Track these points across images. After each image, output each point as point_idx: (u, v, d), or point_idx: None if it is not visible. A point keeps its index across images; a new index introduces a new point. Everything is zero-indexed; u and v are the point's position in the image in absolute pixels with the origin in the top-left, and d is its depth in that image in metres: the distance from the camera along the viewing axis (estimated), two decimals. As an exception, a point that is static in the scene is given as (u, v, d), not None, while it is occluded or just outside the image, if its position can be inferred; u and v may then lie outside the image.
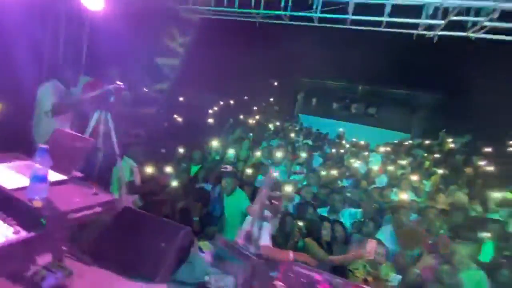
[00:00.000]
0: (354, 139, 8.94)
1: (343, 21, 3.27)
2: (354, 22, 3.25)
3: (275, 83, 11.43)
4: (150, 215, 1.39)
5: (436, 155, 7.84)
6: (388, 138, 9.49)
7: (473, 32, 2.90)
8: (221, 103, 8.83)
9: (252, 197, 3.55)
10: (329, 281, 1.30)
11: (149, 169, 3.65)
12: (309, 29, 3.62)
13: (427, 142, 9.05)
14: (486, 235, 3.06)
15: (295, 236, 3.50)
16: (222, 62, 7.39)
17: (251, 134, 6.88)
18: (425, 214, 3.76)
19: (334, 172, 5.30)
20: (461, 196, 4.82)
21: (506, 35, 2.94)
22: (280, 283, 1.18)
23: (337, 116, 10.41)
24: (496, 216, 3.85)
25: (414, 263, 2.89)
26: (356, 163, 6.13)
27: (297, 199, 4.30)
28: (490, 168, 6.66)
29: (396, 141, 9.03)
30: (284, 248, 2.94)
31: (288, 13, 3.39)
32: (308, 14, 3.33)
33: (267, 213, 2.78)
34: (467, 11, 2.86)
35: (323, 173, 5.10)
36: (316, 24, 3.43)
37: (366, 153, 7.26)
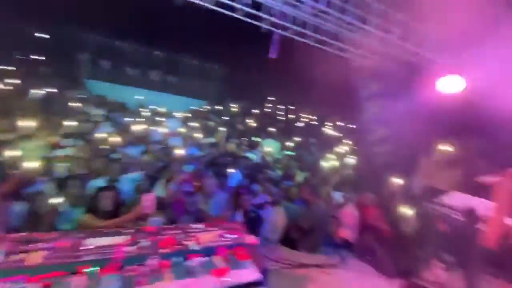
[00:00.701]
0: (154, 107, 8.83)
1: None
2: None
3: (46, 36, 8.55)
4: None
5: (224, 118, 9.59)
6: (189, 105, 10.19)
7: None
8: None
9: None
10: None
11: None
12: None
13: (217, 107, 10.73)
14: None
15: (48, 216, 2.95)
16: None
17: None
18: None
19: (115, 139, 4.95)
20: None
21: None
22: None
23: (133, 82, 9.68)
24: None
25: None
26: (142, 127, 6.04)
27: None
28: (254, 124, 9.06)
29: (195, 108, 9.98)
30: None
31: None
32: None
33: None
34: None
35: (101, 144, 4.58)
36: None
37: (163, 119, 7.43)
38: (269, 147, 6.33)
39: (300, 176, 5.50)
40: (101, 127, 5.88)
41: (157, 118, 7.43)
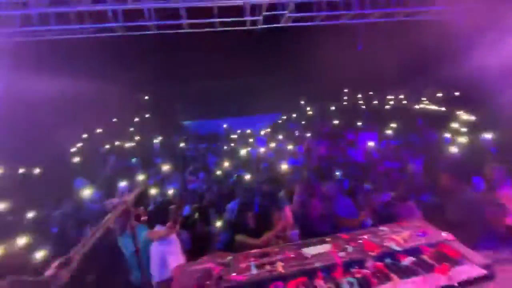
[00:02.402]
0: (239, 130, 9.72)
1: (179, 26, 3.45)
2: (191, 26, 3.48)
3: (145, 97, 10.76)
4: None
5: (303, 122, 9.70)
6: (267, 121, 10.80)
7: (283, 22, 3.74)
8: (85, 135, 7.50)
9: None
10: (220, 263, 1.39)
11: None
12: (149, 37, 3.60)
13: (294, 115, 10.94)
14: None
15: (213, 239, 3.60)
16: (74, 88, 6.21)
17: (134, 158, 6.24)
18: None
19: (227, 164, 5.66)
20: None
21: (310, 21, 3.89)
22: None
23: (217, 115, 10.96)
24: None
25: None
26: (244, 151, 6.70)
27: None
28: (337, 122, 8.78)
29: (272, 122, 10.49)
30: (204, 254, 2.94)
31: (120, 24, 3.22)
32: (143, 23, 3.28)
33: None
34: (275, 6, 3.63)
35: (217, 173, 5.33)
36: (153, 31, 3.44)
37: (251, 140, 8.07)
38: (368, 141, 5.99)
39: (415, 165, 4.96)
40: (210, 158, 6.86)
41: (249, 140, 8.13)
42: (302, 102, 11.67)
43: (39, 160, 5.53)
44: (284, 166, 5.12)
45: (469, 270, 1.19)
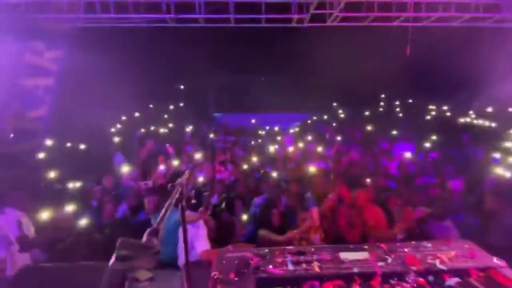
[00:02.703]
0: (267, 127, 9.75)
1: (226, 20, 3.54)
2: (237, 20, 3.56)
3: (181, 87, 11.18)
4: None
5: (334, 124, 9.47)
6: (296, 119, 10.70)
7: (330, 22, 3.67)
8: (124, 118, 8.02)
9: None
10: (257, 254, 1.45)
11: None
12: (194, 30, 3.73)
13: (325, 116, 10.70)
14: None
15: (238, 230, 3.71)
16: (115, 72, 6.69)
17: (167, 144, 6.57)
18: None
19: (254, 160, 5.73)
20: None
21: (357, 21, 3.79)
22: (215, 272, 1.26)
23: (247, 109, 11.05)
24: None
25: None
26: (272, 148, 6.72)
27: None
28: (370, 128, 8.47)
29: (302, 122, 10.36)
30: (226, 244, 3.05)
31: (172, 15, 3.38)
32: (193, 16, 3.42)
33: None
34: (323, 5, 3.58)
35: (244, 166, 5.42)
36: (201, 25, 3.57)
37: (279, 138, 8.06)
38: (405, 152, 5.70)
39: (456, 182, 4.63)
40: (237, 151, 6.98)
41: (277, 137, 8.13)
42: (335, 104, 11.37)
43: (84, 137, 6.05)
44: (312, 168, 5.07)
45: (524, 301, 1.11)
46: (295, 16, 3.54)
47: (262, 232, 3.43)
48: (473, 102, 8.27)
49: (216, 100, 11.14)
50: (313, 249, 1.48)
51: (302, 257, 1.42)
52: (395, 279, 1.25)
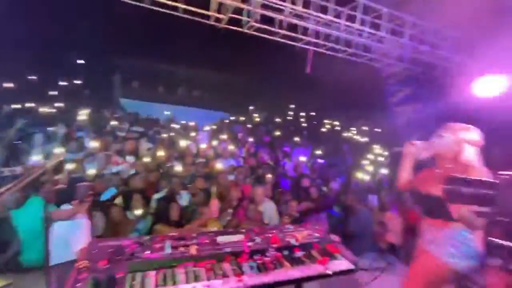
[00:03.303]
0: (183, 122, 9.46)
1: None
2: (154, 3, 3.39)
3: (82, 62, 9.50)
4: None
5: (249, 126, 10.05)
6: (213, 117, 10.78)
7: (246, 29, 3.96)
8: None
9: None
10: (136, 241, 1.45)
11: None
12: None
13: (241, 118, 11.22)
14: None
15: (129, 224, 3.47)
16: None
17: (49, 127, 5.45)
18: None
19: (162, 154, 5.49)
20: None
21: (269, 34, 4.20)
22: (82, 261, 1.21)
23: (162, 99, 10.43)
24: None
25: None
26: (185, 143, 6.60)
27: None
28: (279, 133, 9.43)
29: (219, 120, 10.54)
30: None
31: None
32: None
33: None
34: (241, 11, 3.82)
35: (147, 159, 5.13)
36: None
37: (194, 134, 7.98)
38: (300, 156, 6.68)
39: (335, 183, 5.80)
40: (142, 144, 6.48)
41: (191, 133, 7.99)
42: (251, 108, 12.09)
43: None
44: (219, 164, 5.29)
45: (341, 264, 1.56)
46: (215, 14, 3.66)
47: (158, 227, 3.35)
48: (356, 121, 10.41)
49: (124, 84, 9.95)
50: (195, 235, 1.61)
51: (182, 241, 1.52)
52: (259, 255, 1.51)
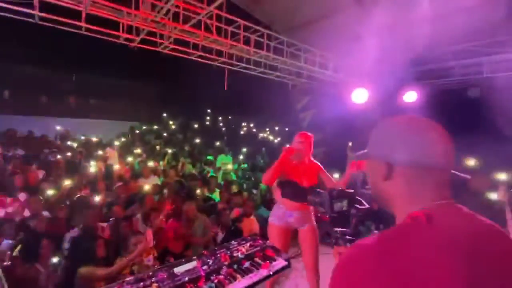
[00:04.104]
0: (82, 137, 8.29)
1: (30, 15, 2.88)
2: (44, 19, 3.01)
3: None
4: None
5: (165, 135, 9.69)
6: (118, 128, 9.77)
7: (162, 48, 4.00)
8: None
9: None
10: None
11: None
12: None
13: (155, 127, 10.66)
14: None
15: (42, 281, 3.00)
16: None
17: None
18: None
19: (67, 183, 4.82)
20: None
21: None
22: None
23: (48, 111, 8.80)
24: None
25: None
26: (92, 167, 5.92)
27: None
28: (198, 140, 9.53)
29: (129, 133, 9.68)
30: None
31: None
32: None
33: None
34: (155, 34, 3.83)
35: (50, 192, 4.45)
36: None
37: (101, 152, 7.16)
38: (225, 163, 7.08)
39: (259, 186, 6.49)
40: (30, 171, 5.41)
41: (97, 151, 7.15)
42: (165, 115, 11.65)
43: None
44: (147, 186, 5.08)
45: (279, 264, 2.04)
46: (124, 35, 3.52)
47: (84, 271, 3.06)
48: (268, 123, 11.62)
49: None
50: (150, 273, 1.75)
51: (141, 283, 1.65)
52: (214, 275, 1.81)
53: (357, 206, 1.41)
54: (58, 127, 8.50)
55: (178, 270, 1.83)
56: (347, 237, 1.36)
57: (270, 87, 6.54)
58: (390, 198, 0.75)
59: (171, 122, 11.42)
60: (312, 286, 3.04)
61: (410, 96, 5.85)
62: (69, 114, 9.58)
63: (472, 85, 5.65)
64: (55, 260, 3.20)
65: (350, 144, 5.78)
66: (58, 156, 6.64)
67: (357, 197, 1.48)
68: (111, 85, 10.84)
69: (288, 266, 2.12)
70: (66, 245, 3.68)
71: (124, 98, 11.21)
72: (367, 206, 1.48)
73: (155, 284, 1.67)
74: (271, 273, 1.97)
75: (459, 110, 5.43)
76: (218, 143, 9.28)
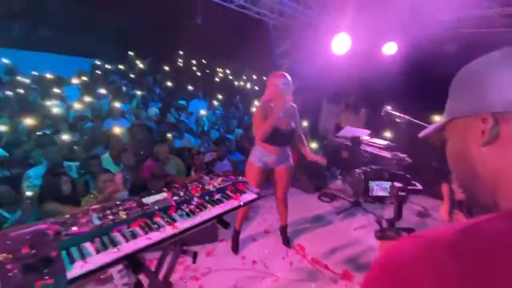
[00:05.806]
0: (34, 72, 7.37)
1: None
2: None
3: None
4: None
5: (132, 76, 8.94)
6: (76, 65, 8.80)
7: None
8: None
9: None
10: (54, 222, 1.46)
11: None
12: None
13: (120, 66, 9.72)
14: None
15: None
16: None
17: None
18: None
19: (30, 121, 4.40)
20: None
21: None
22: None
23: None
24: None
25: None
26: (52, 104, 5.40)
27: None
28: (170, 83, 8.95)
29: (90, 71, 8.78)
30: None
31: None
32: None
33: None
34: None
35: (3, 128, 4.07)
36: None
37: (58, 90, 6.49)
38: (199, 109, 6.82)
39: (234, 132, 6.48)
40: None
41: (54, 89, 6.47)
42: (132, 54, 10.57)
43: None
44: (117, 128, 4.80)
45: (249, 196, 2.11)
46: None
47: (50, 206, 2.99)
48: (245, 71, 11.09)
49: None
50: (118, 202, 1.72)
51: (108, 211, 1.62)
52: (185, 205, 1.83)
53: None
54: (3, 59, 7.42)
55: (147, 200, 1.83)
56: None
57: (249, 27, 6.04)
58: (493, 174, 0.47)
59: (138, 62, 10.46)
60: (282, 216, 3.42)
61: (390, 48, 5.75)
62: (16, 45, 8.32)
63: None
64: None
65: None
66: (8, 92, 5.95)
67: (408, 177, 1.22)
68: (68, 13, 9.33)
69: (258, 198, 2.21)
70: (26, 184, 3.51)
71: (83, 31, 9.79)
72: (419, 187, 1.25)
73: (122, 212, 1.66)
74: (242, 203, 2.06)
75: None
76: (191, 87, 8.83)
